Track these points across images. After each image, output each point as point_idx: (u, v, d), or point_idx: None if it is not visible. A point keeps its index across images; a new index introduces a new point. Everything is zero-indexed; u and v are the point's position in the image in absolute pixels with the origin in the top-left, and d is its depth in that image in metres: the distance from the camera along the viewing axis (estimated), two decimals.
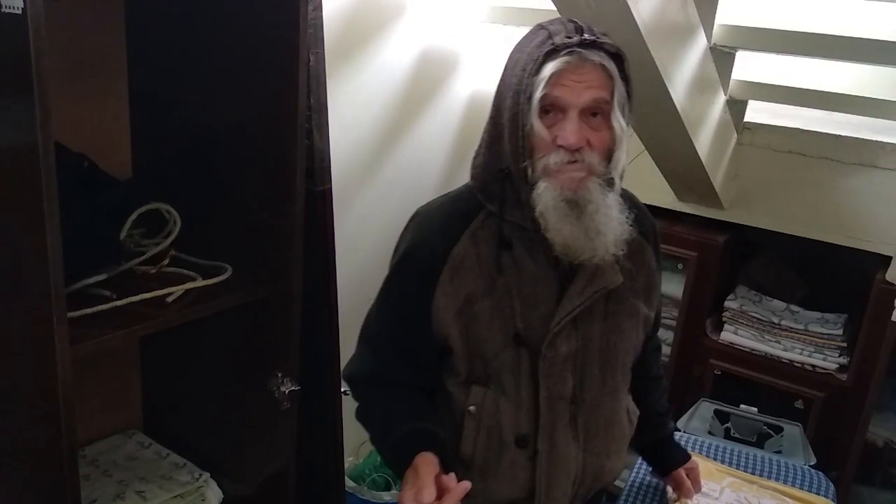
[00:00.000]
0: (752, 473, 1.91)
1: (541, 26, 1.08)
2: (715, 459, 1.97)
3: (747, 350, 2.28)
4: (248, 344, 1.46)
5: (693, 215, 2.37)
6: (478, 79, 2.40)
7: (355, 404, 1.32)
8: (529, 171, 1.07)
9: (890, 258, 1.89)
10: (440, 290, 1.14)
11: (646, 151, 2.14)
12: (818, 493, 1.84)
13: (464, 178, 1.27)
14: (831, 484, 1.92)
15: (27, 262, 1.02)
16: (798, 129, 2.16)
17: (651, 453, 1.51)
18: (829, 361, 2.17)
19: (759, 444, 2.16)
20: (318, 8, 1.45)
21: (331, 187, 1.57)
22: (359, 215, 2.09)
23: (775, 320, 2.24)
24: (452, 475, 1.04)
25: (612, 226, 1.08)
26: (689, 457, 1.51)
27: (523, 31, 1.15)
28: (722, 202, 2.27)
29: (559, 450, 1.16)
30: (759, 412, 2.21)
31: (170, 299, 1.26)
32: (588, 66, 1.03)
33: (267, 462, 1.50)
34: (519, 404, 1.15)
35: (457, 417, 1.19)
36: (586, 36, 1.03)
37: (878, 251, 2.09)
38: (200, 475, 1.57)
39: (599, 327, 1.17)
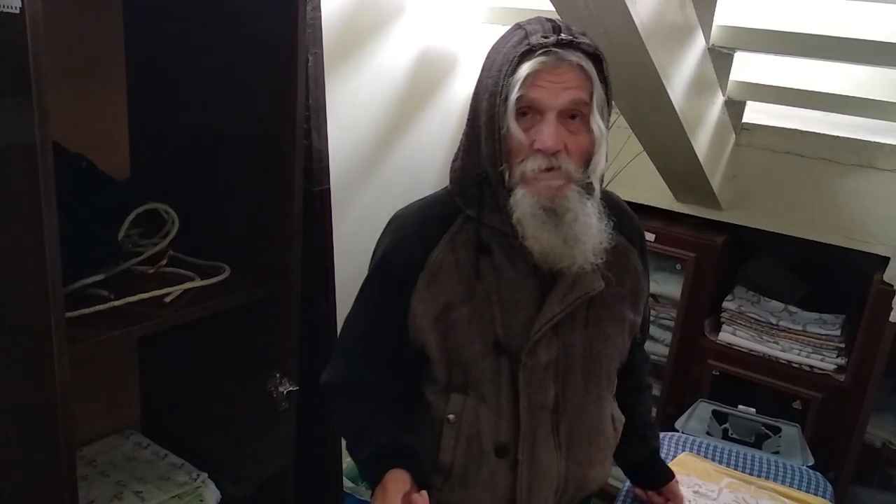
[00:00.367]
0: (751, 474, 1.91)
1: (518, 25, 1.06)
2: (713, 460, 1.97)
3: (745, 351, 2.28)
4: (246, 344, 1.46)
5: (691, 216, 2.37)
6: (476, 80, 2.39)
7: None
8: (506, 175, 1.05)
9: (888, 259, 1.89)
10: (417, 297, 1.11)
11: (644, 152, 2.14)
12: (816, 494, 1.84)
13: None
14: (829, 484, 1.92)
15: (25, 263, 1.02)
16: (796, 129, 2.16)
17: (638, 469, 1.46)
18: (827, 362, 2.17)
19: (758, 444, 2.16)
20: (317, 8, 1.45)
21: (329, 188, 1.57)
22: (357, 216, 2.09)
23: (773, 321, 2.24)
24: (424, 493, 1.01)
25: (591, 234, 1.05)
26: (673, 473, 1.49)
27: None
28: (720, 203, 2.27)
29: (540, 459, 1.13)
30: (757, 413, 2.21)
31: (168, 299, 1.26)
32: (565, 67, 1.00)
33: (265, 462, 1.50)
34: (499, 413, 1.12)
35: (436, 426, 1.15)
36: (563, 36, 1.01)
37: (876, 252, 2.09)
38: (198, 475, 1.57)
39: (582, 334, 1.14)
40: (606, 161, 1.08)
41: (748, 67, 2.04)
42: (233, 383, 1.51)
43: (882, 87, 1.95)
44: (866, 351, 2.06)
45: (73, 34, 1.41)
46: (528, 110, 1.02)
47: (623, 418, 1.28)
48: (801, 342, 2.21)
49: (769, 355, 2.24)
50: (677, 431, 2.17)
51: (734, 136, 2.21)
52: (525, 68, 0.99)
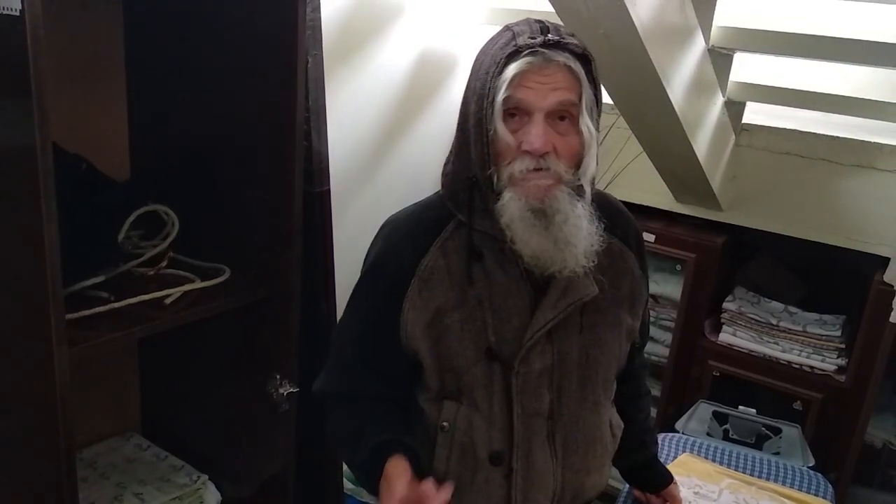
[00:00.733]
0: (751, 475, 1.91)
1: (507, 27, 1.05)
2: (713, 461, 1.97)
3: (746, 351, 2.28)
4: (246, 346, 1.46)
5: (691, 217, 2.37)
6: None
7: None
8: (495, 178, 1.03)
9: (888, 259, 1.89)
10: (409, 303, 1.09)
11: (644, 153, 2.14)
12: (817, 495, 1.84)
13: None
14: (830, 485, 1.92)
15: (25, 264, 1.02)
16: (796, 130, 2.16)
17: (637, 474, 1.45)
18: (827, 363, 2.17)
19: (758, 445, 2.16)
20: (317, 10, 1.45)
21: (329, 189, 1.57)
22: (357, 217, 2.09)
23: (773, 321, 2.24)
24: (430, 480, 0.98)
25: (581, 236, 1.03)
26: (672, 476, 1.49)
27: None
28: (720, 203, 2.27)
29: (536, 467, 1.11)
30: (757, 413, 2.21)
31: (168, 301, 1.26)
32: (553, 67, 0.99)
33: (265, 464, 1.50)
34: (492, 421, 1.10)
35: (430, 434, 1.14)
36: (550, 36, 0.99)
37: (876, 252, 2.09)
38: (199, 477, 1.57)
39: (577, 340, 1.12)
40: (598, 163, 1.06)
41: (748, 68, 2.04)
42: (233, 385, 1.51)
43: (881, 87, 1.95)
44: (866, 351, 2.06)
45: (73, 36, 1.41)
46: (516, 111, 1.01)
47: (622, 424, 1.26)
48: (802, 343, 2.21)
49: (769, 356, 2.24)
50: (678, 432, 2.17)
51: (734, 136, 2.21)
52: (512, 69, 0.98)
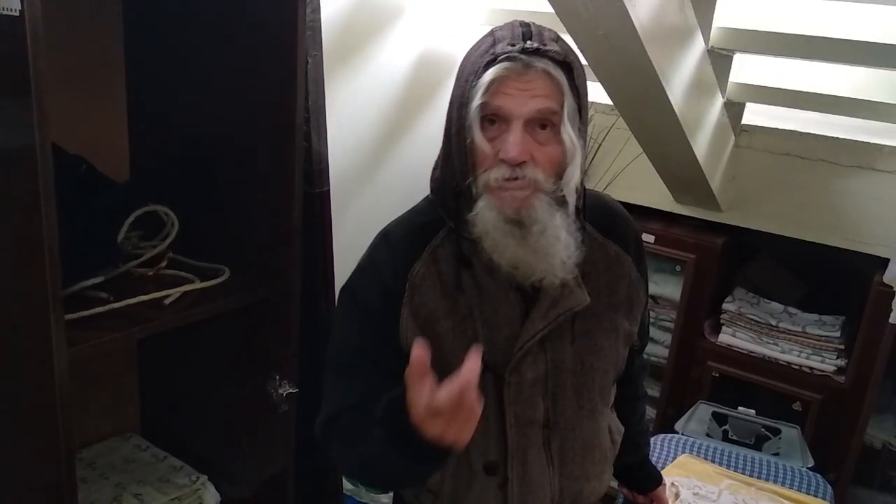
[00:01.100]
0: (750, 475, 1.92)
1: (491, 32, 1.02)
2: (713, 461, 1.97)
3: (745, 352, 2.28)
4: (245, 346, 1.46)
5: (691, 217, 2.38)
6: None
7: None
8: (473, 187, 1.00)
9: (887, 260, 1.89)
10: (406, 309, 1.07)
11: (643, 154, 2.15)
12: (816, 496, 1.85)
13: None
14: (829, 486, 1.92)
15: (25, 265, 1.02)
16: (796, 131, 2.16)
17: (627, 474, 1.44)
18: (826, 364, 2.17)
19: (757, 446, 2.16)
20: (317, 10, 1.45)
21: (329, 189, 1.57)
22: (357, 218, 2.09)
23: (773, 322, 2.24)
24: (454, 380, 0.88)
25: (559, 247, 1.00)
26: (661, 478, 1.49)
27: None
28: (720, 204, 2.27)
29: (532, 476, 1.10)
30: (756, 414, 2.21)
31: (167, 301, 1.26)
32: (532, 74, 0.96)
33: (265, 464, 1.50)
34: (487, 431, 1.07)
35: None
36: (529, 43, 0.96)
37: (875, 253, 2.09)
38: (198, 478, 1.57)
39: (572, 348, 1.10)
40: (585, 173, 1.04)
41: (747, 69, 2.04)
42: (232, 385, 1.51)
43: (881, 88, 1.96)
44: (866, 352, 2.06)
45: (73, 36, 1.41)
46: (495, 118, 0.98)
47: (622, 429, 1.25)
48: (801, 343, 2.21)
49: (769, 357, 2.24)
50: (677, 433, 2.17)
51: (733, 137, 2.21)
52: (489, 75, 0.96)
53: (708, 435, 2.19)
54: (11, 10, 0.89)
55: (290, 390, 1.39)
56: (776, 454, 2.10)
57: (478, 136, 0.98)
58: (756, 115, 2.23)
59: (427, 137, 2.29)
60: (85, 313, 1.16)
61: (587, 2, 1.46)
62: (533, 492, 1.11)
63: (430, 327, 1.07)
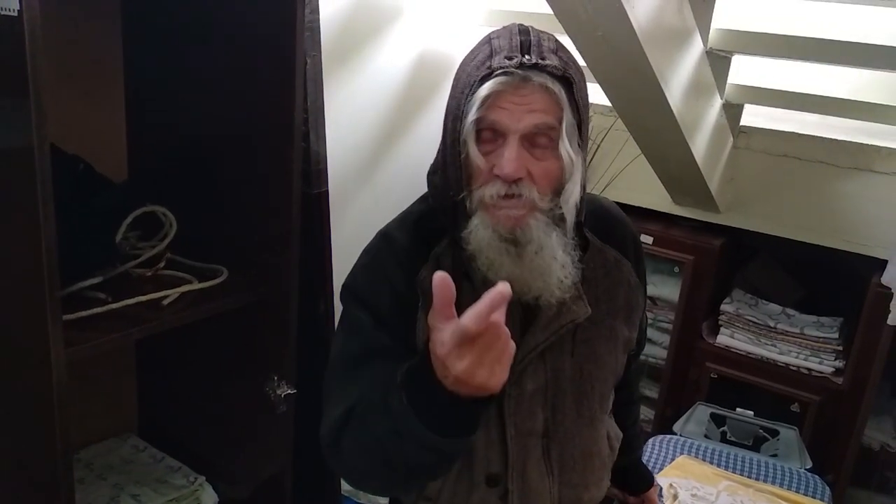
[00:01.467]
0: (749, 477, 1.92)
1: (487, 39, 0.98)
2: (711, 463, 1.97)
3: (743, 353, 2.28)
4: (244, 347, 1.46)
5: (689, 219, 2.38)
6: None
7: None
8: (467, 202, 0.98)
9: (885, 262, 1.90)
10: (422, 315, 1.03)
11: (642, 155, 2.15)
12: (814, 497, 1.85)
13: None
14: (827, 487, 1.93)
15: (23, 265, 1.02)
16: (794, 132, 2.17)
17: (620, 476, 1.40)
18: (824, 365, 2.18)
19: (756, 447, 2.16)
20: (315, 11, 1.46)
21: (327, 190, 1.57)
22: (355, 218, 2.09)
23: (771, 324, 2.24)
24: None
25: (555, 267, 0.97)
26: (653, 479, 1.49)
27: None
28: (718, 206, 2.27)
29: (531, 486, 1.09)
30: (755, 415, 2.21)
31: (165, 302, 1.26)
32: (529, 88, 0.93)
33: (263, 465, 1.50)
34: (489, 442, 1.06)
35: None
36: (527, 58, 0.93)
37: (873, 255, 2.09)
38: (196, 479, 1.56)
39: (571, 357, 1.09)
40: (584, 189, 1.00)
41: (746, 70, 2.04)
42: (230, 386, 1.51)
43: (879, 90, 1.96)
44: (864, 354, 2.06)
45: (71, 36, 1.41)
46: (491, 132, 0.96)
47: (621, 434, 1.24)
48: (799, 345, 2.21)
49: (767, 358, 2.24)
50: (675, 434, 2.17)
51: (732, 139, 2.21)
52: (485, 89, 0.93)
53: (706, 436, 2.19)
54: (9, 9, 0.89)
55: (289, 391, 1.39)
56: (774, 455, 2.11)
57: (473, 151, 0.95)
58: (754, 116, 2.23)
59: (425, 138, 2.29)
60: (83, 314, 1.16)
61: (586, 3, 1.46)
62: (533, 502, 1.10)
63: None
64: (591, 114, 1.12)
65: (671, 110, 1.77)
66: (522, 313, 1.05)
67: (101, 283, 1.25)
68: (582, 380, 1.11)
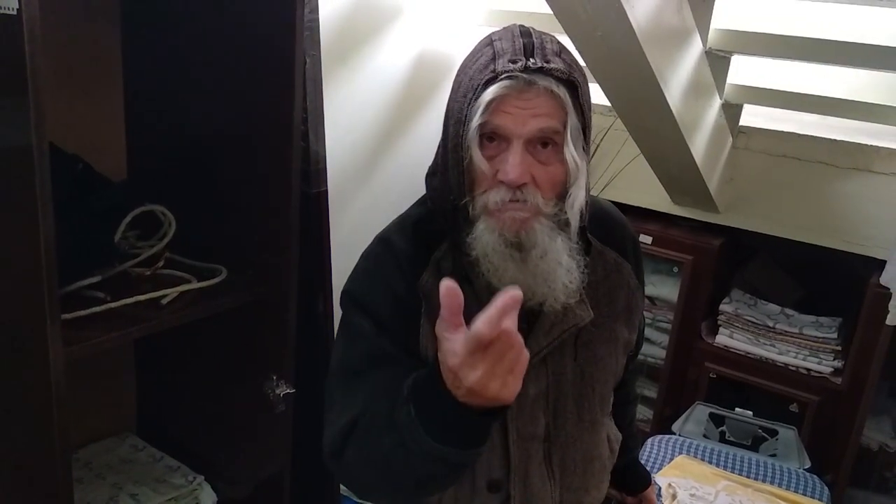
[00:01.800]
0: (747, 477, 1.92)
1: (489, 41, 0.97)
2: (710, 463, 1.97)
3: (742, 353, 2.28)
4: (242, 346, 1.46)
5: (688, 219, 2.38)
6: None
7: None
8: (470, 207, 0.97)
9: (884, 262, 1.90)
10: (425, 321, 1.02)
11: (641, 155, 2.15)
12: (813, 497, 1.85)
13: None
14: (826, 487, 1.93)
15: (21, 264, 1.01)
16: (793, 133, 2.17)
17: (617, 476, 1.43)
18: (823, 365, 2.18)
19: (754, 447, 2.16)
20: (315, 10, 1.45)
21: (326, 190, 1.57)
22: (355, 218, 2.09)
23: (770, 324, 2.24)
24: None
25: (560, 272, 0.96)
26: (650, 479, 1.49)
27: None
28: (717, 206, 2.27)
29: (533, 491, 1.09)
30: (753, 415, 2.21)
31: (164, 301, 1.26)
32: (533, 92, 0.92)
33: (262, 465, 1.50)
34: (491, 448, 1.05)
35: None
36: (532, 62, 0.91)
37: (872, 255, 2.09)
38: (194, 478, 1.56)
39: (572, 360, 1.08)
40: (588, 193, 0.99)
41: (745, 70, 2.04)
42: (229, 385, 1.51)
43: (879, 90, 1.96)
44: (863, 354, 2.06)
45: (71, 35, 1.41)
46: (495, 136, 0.95)
47: (620, 436, 1.24)
48: (798, 345, 2.21)
49: (766, 358, 2.24)
50: (674, 434, 2.18)
51: (731, 139, 2.21)
52: (488, 94, 0.91)
53: (705, 436, 2.20)
54: (8, 8, 0.89)
55: (287, 390, 1.38)
56: (773, 455, 2.11)
57: (477, 156, 0.94)
58: (754, 116, 2.23)
59: (425, 138, 2.29)
60: (82, 313, 1.16)
61: (586, 3, 1.46)
62: None
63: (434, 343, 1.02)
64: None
65: (670, 110, 1.77)
66: (525, 318, 1.04)
67: (100, 283, 1.25)
68: (583, 383, 1.11)
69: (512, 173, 0.92)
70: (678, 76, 1.75)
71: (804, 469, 2.00)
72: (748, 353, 2.27)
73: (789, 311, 2.31)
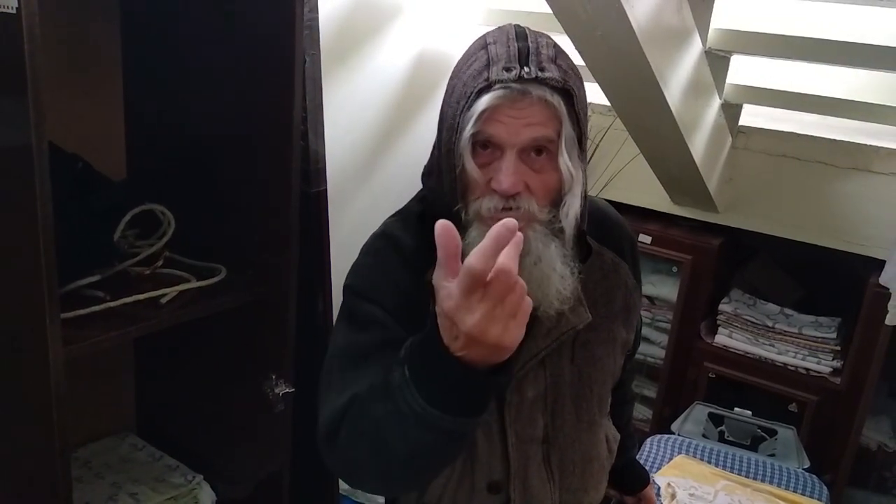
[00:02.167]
0: (746, 476, 1.92)
1: (483, 44, 0.95)
2: (709, 462, 1.97)
3: (741, 353, 2.28)
4: (242, 346, 1.46)
5: (688, 219, 2.38)
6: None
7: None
8: (463, 213, 0.96)
9: (884, 262, 1.90)
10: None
11: (640, 155, 2.15)
12: (812, 497, 1.85)
13: None
14: (825, 487, 1.93)
15: (21, 263, 1.01)
16: (793, 133, 2.17)
17: (616, 476, 1.41)
18: (822, 365, 2.18)
19: (753, 447, 2.16)
20: (314, 10, 1.45)
21: (326, 189, 1.57)
22: (354, 218, 2.09)
23: (769, 324, 2.25)
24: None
25: (554, 279, 0.96)
26: (649, 478, 1.49)
27: None
28: (717, 206, 2.27)
29: (533, 493, 1.09)
30: (753, 415, 2.22)
31: (164, 300, 1.26)
32: (527, 101, 0.91)
33: (261, 464, 1.50)
34: (492, 450, 1.06)
35: None
36: (526, 70, 0.90)
37: (872, 255, 2.09)
38: (194, 477, 1.56)
39: (570, 361, 1.08)
40: (586, 199, 0.99)
41: (744, 70, 2.04)
42: (229, 385, 1.51)
43: (878, 90, 1.96)
44: (862, 354, 2.06)
45: (70, 34, 1.41)
46: (488, 144, 0.94)
47: (618, 436, 1.24)
48: (797, 345, 2.21)
49: (765, 358, 2.24)
50: (673, 434, 2.18)
51: (730, 139, 2.22)
52: (482, 103, 0.90)
53: (704, 436, 2.20)
54: (8, 7, 0.89)
55: (287, 390, 1.38)
56: (772, 455, 2.11)
57: (469, 165, 0.93)
58: (753, 116, 2.23)
59: (425, 137, 2.29)
60: (81, 312, 1.16)
61: (586, 3, 1.46)
62: None
63: None
64: (589, 113, 1.10)
65: (670, 110, 1.77)
66: None
67: (100, 282, 1.25)
68: (581, 384, 1.11)
69: (505, 183, 0.92)
70: (678, 76, 1.76)
71: (803, 469, 2.00)
72: (747, 353, 2.27)
73: (789, 311, 2.31)
